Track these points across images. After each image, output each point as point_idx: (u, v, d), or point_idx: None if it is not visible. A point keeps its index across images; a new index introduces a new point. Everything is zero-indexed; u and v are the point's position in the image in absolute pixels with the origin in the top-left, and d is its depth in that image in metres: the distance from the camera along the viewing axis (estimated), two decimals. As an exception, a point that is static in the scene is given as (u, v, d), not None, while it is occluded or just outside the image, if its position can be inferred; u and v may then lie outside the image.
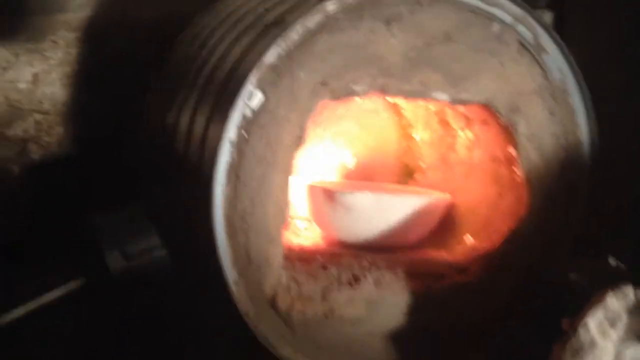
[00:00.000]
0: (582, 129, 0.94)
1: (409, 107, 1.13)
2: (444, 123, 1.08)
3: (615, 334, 0.74)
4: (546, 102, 0.92)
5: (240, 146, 0.82)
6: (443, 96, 0.90)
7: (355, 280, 0.90)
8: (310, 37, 0.82)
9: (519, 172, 0.94)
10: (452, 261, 0.98)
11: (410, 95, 0.89)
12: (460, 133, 1.07)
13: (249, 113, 0.81)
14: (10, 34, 1.30)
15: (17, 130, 1.32)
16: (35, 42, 1.31)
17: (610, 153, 0.97)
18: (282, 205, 0.85)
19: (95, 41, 1.34)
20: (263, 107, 0.82)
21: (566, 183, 0.95)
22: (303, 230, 1.13)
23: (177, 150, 0.98)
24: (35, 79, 1.32)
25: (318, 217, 1.07)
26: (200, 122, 0.89)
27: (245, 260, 0.84)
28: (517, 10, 0.89)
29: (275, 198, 0.84)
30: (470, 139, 1.05)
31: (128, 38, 1.35)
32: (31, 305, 0.98)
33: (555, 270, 0.95)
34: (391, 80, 0.87)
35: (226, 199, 0.82)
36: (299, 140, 0.84)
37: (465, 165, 1.07)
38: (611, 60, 1.20)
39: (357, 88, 0.86)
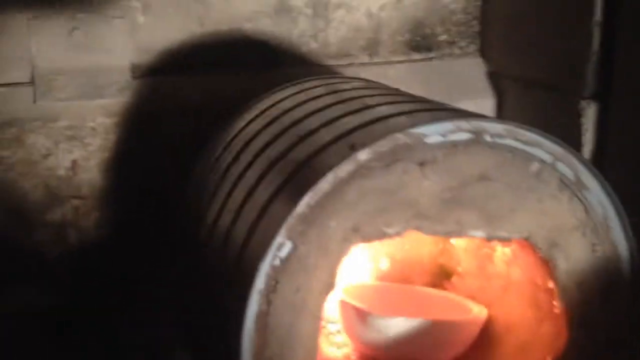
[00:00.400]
0: (624, 263, 0.91)
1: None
2: (485, 238, 1.05)
3: None
4: (587, 237, 0.90)
5: (269, 295, 0.81)
6: (479, 233, 0.88)
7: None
8: (341, 186, 0.81)
9: (557, 304, 0.92)
10: (486, 390, 0.96)
11: (445, 235, 0.87)
12: (499, 248, 1.04)
13: (278, 262, 0.81)
14: (51, 122, 1.32)
15: (55, 215, 1.34)
16: (75, 129, 1.33)
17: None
18: (311, 350, 0.84)
19: (133, 127, 1.35)
20: (292, 256, 0.81)
21: (607, 318, 0.92)
22: (336, 335, 1.12)
23: (207, 267, 0.98)
24: (74, 165, 1.33)
25: (349, 332, 1.06)
26: (230, 257, 0.89)
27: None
28: (557, 149, 0.87)
29: (304, 343, 0.84)
30: (508, 256, 1.02)
31: (169, 123, 1.35)
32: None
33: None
34: (425, 222, 0.85)
35: (254, 347, 0.81)
36: (329, 287, 0.83)
37: (503, 278, 1.05)
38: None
39: (389, 231, 0.85)
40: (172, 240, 1.23)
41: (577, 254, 0.89)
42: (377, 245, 1.18)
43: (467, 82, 1.57)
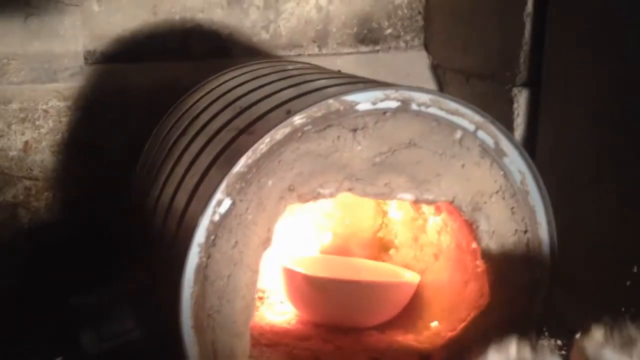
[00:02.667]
0: (543, 226, 0.98)
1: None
2: (417, 206, 1.12)
3: None
4: (507, 201, 0.96)
5: (208, 249, 0.86)
6: (408, 196, 0.94)
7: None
8: (278, 147, 0.86)
9: (480, 264, 0.98)
10: (417, 347, 1.02)
11: (376, 197, 0.93)
12: (430, 217, 1.10)
13: (217, 218, 0.85)
14: (3, 104, 1.35)
15: (6, 196, 1.37)
16: (27, 112, 1.36)
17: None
18: (250, 302, 0.89)
19: (86, 111, 1.39)
20: (231, 212, 0.86)
21: (528, 277, 0.98)
22: (278, 305, 1.17)
23: (153, 236, 1.02)
24: (26, 146, 1.36)
25: (292, 297, 1.11)
26: (172, 221, 0.94)
27: (212, 355, 0.88)
28: (478, 118, 0.93)
29: (242, 296, 0.88)
30: (439, 225, 1.09)
31: (120, 108, 1.39)
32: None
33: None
34: (357, 184, 0.91)
35: (194, 299, 0.86)
36: (267, 242, 0.88)
37: (434, 247, 1.11)
38: (586, 136, 1.23)
39: (324, 191, 0.90)
40: (122, 220, 1.27)
41: (497, 217, 0.96)
42: (320, 220, 1.23)
43: (412, 74, 1.64)
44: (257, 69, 1.19)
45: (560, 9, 1.29)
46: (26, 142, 1.37)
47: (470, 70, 1.54)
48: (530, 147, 1.31)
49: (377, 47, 1.65)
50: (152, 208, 1.05)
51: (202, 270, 0.86)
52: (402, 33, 1.66)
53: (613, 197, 1.13)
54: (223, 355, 0.88)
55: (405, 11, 1.65)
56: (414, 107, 0.90)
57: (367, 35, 1.63)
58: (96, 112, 1.40)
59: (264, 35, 1.55)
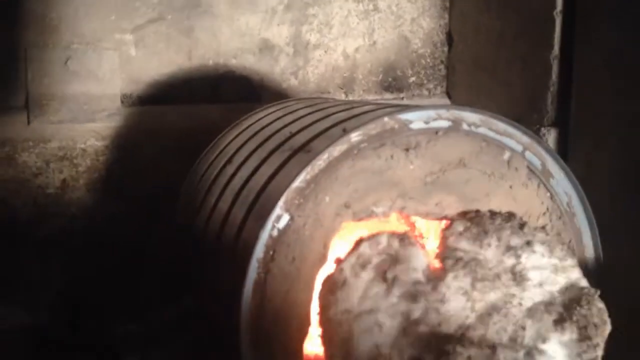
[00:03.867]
0: (589, 248, 0.99)
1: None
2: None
3: (365, 275, 0.86)
4: (554, 223, 0.98)
5: (267, 264, 0.86)
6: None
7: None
8: (335, 163, 0.88)
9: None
10: None
11: (427, 216, 0.94)
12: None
13: (275, 233, 0.86)
14: (43, 142, 1.37)
15: (42, 232, 1.37)
16: (66, 150, 1.39)
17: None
18: (305, 320, 0.89)
19: (123, 150, 1.42)
20: (289, 227, 0.87)
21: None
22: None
23: (203, 258, 1.02)
24: (64, 184, 1.38)
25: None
26: (228, 238, 0.94)
27: (268, 372, 0.87)
28: (526, 139, 0.96)
29: (298, 313, 0.88)
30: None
31: (156, 148, 1.42)
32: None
33: None
34: (409, 202, 0.92)
35: (252, 314, 0.86)
36: (323, 259, 0.89)
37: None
38: (614, 172, 1.25)
39: (377, 210, 0.91)
40: (160, 257, 1.27)
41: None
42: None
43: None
44: (292, 105, 1.22)
45: (584, 52, 1.34)
46: (64, 180, 1.38)
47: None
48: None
49: (402, 95, 1.69)
50: (200, 232, 1.06)
51: (261, 285, 0.86)
52: (425, 81, 1.70)
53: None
54: (278, 373, 0.88)
55: (428, 60, 1.70)
56: (465, 126, 0.93)
57: (392, 83, 1.68)
58: (132, 152, 1.42)
59: (293, 81, 1.60)
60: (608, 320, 0.87)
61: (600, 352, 0.86)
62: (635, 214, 1.19)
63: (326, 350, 0.87)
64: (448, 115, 0.92)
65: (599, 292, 0.89)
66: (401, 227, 1.18)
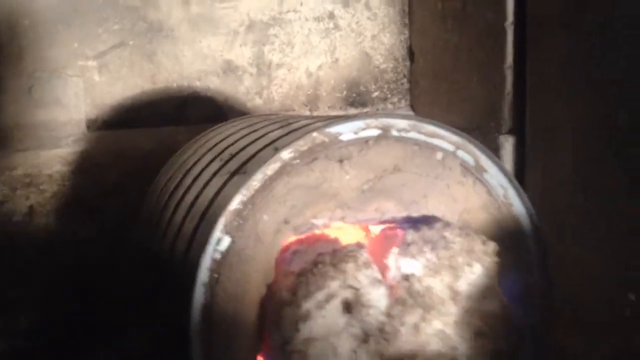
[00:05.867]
0: (529, 234, 1.01)
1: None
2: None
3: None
4: (493, 215, 1.00)
5: (212, 287, 0.88)
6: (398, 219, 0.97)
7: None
8: (270, 183, 0.90)
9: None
10: None
11: (367, 222, 0.96)
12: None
13: (218, 256, 0.88)
14: (8, 170, 1.40)
15: (10, 259, 1.40)
16: (32, 177, 1.41)
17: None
18: (255, 340, 0.90)
19: (89, 174, 1.44)
20: (231, 249, 0.89)
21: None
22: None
23: (154, 288, 1.04)
24: (31, 211, 1.41)
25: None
26: (174, 266, 0.96)
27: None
28: (456, 138, 0.98)
29: (247, 333, 0.90)
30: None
31: (122, 170, 1.45)
32: None
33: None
34: (349, 211, 0.94)
35: (202, 339, 0.87)
36: (267, 277, 0.91)
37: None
38: (570, 175, 1.28)
39: (317, 222, 0.94)
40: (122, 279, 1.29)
41: (485, 232, 0.99)
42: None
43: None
44: (237, 124, 1.24)
45: (537, 60, 1.37)
46: (31, 206, 1.41)
47: (457, 125, 1.59)
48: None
49: (366, 109, 1.72)
50: (151, 261, 1.08)
51: (208, 308, 0.87)
52: (389, 95, 1.73)
53: (601, 233, 1.18)
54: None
55: (391, 75, 1.73)
56: (394, 133, 0.95)
57: (356, 98, 1.71)
58: (98, 175, 1.45)
59: (258, 101, 1.63)
60: None
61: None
62: (588, 213, 1.21)
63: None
64: (376, 123, 0.94)
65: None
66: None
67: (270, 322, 0.89)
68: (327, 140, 0.92)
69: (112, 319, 1.29)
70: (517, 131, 1.42)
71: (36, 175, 1.42)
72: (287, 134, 0.97)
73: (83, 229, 1.43)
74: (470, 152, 0.99)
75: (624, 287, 1.13)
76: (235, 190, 0.90)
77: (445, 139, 0.97)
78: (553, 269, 1.06)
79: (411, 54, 1.73)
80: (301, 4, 1.65)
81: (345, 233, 1.00)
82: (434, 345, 0.88)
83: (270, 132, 1.03)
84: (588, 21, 1.21)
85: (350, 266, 0.88)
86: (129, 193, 1.43)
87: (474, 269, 0.93)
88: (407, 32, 1.72)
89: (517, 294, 0.99)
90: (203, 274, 0.88)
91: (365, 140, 0.94)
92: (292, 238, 0.94)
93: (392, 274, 0.93)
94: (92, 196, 1.44)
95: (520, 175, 1.41)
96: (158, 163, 1.36)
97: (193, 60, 1.57)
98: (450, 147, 0.98)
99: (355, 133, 0.93)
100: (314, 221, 0.94)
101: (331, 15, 1.67)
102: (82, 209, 1.43)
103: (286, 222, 0.92)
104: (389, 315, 0.89)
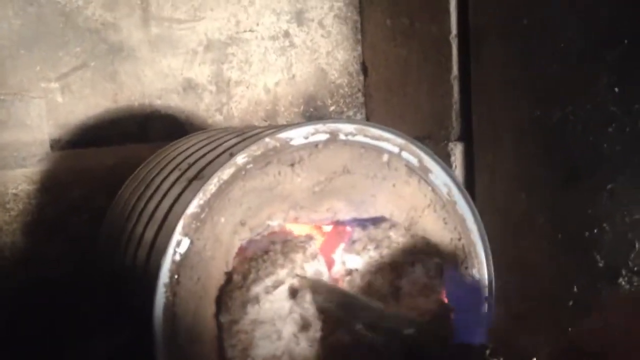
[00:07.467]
0: (474, 232, 1.08)
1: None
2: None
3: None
4: (439, 213, 1.07)
5: (173, 288, 0.93)
6: (349, 218, 1.03)
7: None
8: (225, 187, 0.96)
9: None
10: None
11: (320, 222, 1.02)
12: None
13: (178, 257, 0.93)
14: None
15: (-22, 276, 1.42)
16: (-2, 196, 1.45)
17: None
18: (216, 335, 0.95)
19: (54, 192, 1.48)
20: (190, 250, 0.94)
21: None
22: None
23: (120, 299, 1.09)
24: (-4, 230, 1.44)
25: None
26: (138, 271, 1.01)
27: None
28: (400, 140, 1.05)
29: (210, 328, 0.95)
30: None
31: (86, 187, 1.49)
32: None
33: None
34: (302, 212, 1.00)
35: (166, 336, 0.92)
36: (226, 274, 0.96)
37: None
38: (514, 176, 1.35)
39: (272, 223, 0.99)
40: (88, 294, 1.32)
41: (433, 228, 1.06)
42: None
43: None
44: (197, 136, 1.30)
45: (479, 70, 1.45)
46: (-4, 225, 1.44)
47: (410, 135, 1.67)
48: (470, 193, 1.43)
49: (324, 123, 1.78)
50: (116, 272, 1.12)
51: (170, 307, 0.92)
52: (345, 109, 1.80)
53: (539, 227, 1.25)
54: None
55: (346, 89, 1.80)
56: (342, 137, 1.02)
57: (313, 113, 1.77)
58: (63, 193, 1.48)
59: (218, 117, 1.68)
60: None
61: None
62: (529, 209, 1.29)
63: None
64: (325, 128, 1.01)
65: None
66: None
67: (221, 303, 0.93)
68: (278, 145, 0.98)
69: (79, 334, 1.32)
70: (466, 138, 1.50)
71: (2, 194, 1.45)
72: (242, 141, 1.03)
73: (49, 245, 1.46)
74: (413, 154, 1.06)
75: (564, 279, 1.20)
76: (193, 195, 0.95)
77: (390, 141, 1.04)
78: (498, 264, 1.13)
79: (364, 68, 1.81)
80: (257, 24, 1.71)
81: (300, 228, 1.06)
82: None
83: (226, 141, 1.08)
84: (522, 29, 1.30)
85: (299, 256, 0.94)
86: (94, 209, 1.46)
87: (415, 268, 0.99)
88: (359, 48, 1.80)
89: (459, 291, 1.06)
90: (164, 275, 0.92)
91: (315, 144, 1.00)
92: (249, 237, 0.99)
93: (337, 268, 1.00)
94: (57, 214, 1.47)
95: (471, 180, 1.48)
96: (121, 179, 1.40)
97: (154, 80, 1.62)
98: (395, 149, 1.05)
99: (306, 138, 0.99)
100: (269, 222, 0.99)
101: (286, 34, 1.74)
102: (48, 226, 1.46)
103: (242, 223, 0.98)
104: None
